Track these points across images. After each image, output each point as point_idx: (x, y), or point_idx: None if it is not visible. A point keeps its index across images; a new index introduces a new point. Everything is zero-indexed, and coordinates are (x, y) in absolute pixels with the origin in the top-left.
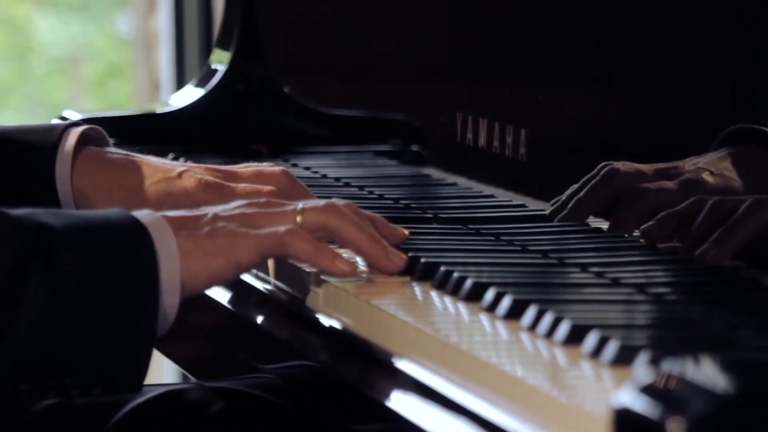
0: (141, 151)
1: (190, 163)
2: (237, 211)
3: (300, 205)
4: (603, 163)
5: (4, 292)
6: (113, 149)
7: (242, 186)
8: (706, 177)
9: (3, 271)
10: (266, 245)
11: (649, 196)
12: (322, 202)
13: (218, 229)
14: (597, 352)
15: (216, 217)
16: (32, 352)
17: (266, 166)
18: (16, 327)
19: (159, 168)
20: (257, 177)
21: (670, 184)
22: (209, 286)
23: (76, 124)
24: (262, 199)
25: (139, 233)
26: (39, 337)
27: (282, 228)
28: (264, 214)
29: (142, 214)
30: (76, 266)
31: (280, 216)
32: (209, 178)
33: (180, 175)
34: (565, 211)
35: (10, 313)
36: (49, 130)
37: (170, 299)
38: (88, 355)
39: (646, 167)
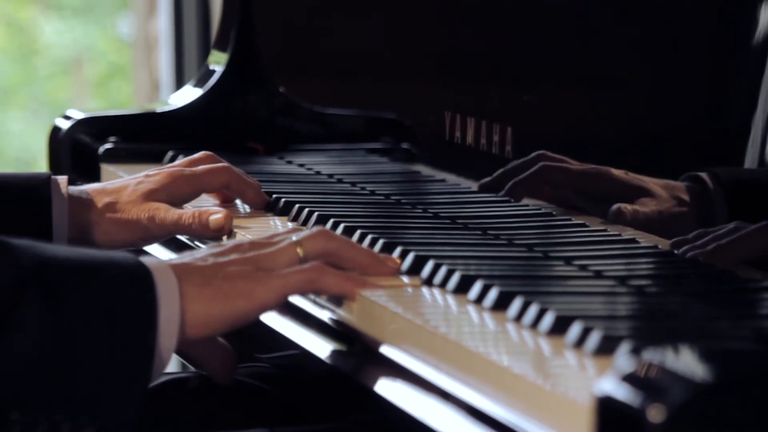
0: (141, 149)
1: (141, 175)
2: (237, 255)
3: (293, 237)
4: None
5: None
6: (74, 186)
7: (201, 168)
8: (613, 171)
9: (1, 297)
10: (293, 284)
11: (549, 172)
12: (313, 229)
13: (234, 273)
14: (580, 342)
15: (223, 264)
16: (22, 380)
17: (194, 156)
18: (8, 353)
19: (125, 179)
20: (191, 164)
21: (571, 166)
22: (232, 326)
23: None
24: (245, 241)
25: (141, 274)
26: (30, 366)
27: (305, 265)
28: (266, 254)
29: (146, 259)
30: (74, 300)
31: (281, 252)
32: (173, 169)
33: (147, 175)
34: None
35: (3, 339)
36: (34, 179)
37: (167, 343)
38: (80, 391)
39: (572, 162)
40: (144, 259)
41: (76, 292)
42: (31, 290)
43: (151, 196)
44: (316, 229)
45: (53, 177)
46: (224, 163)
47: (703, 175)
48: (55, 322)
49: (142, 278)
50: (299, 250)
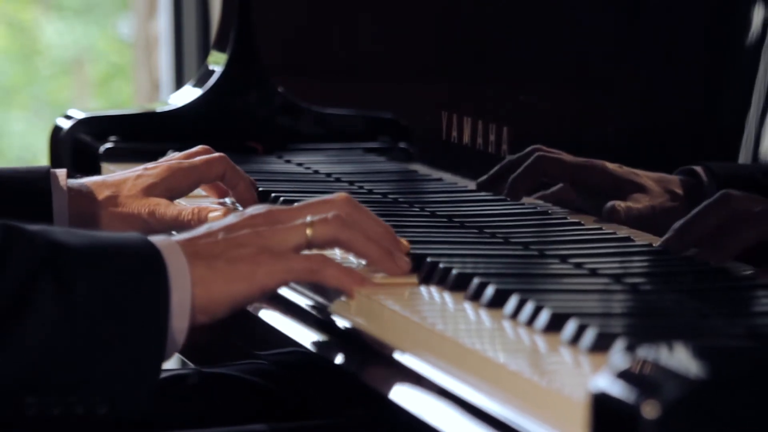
0: (142, 148)
1: (139, 169)
2: (247, 231)
3: (308, 218)
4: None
5: (13, 302)
6: (73, 179)
7: (198, 159)
8: (608, 165)
9: (14, 283)
10: (294, 272)
11: (543, 163)
12: (330, 214)
13: (238, 256)
14: (575, 339)
15: (229, 241)
16: (38, 364)
17: (190, 150)
18: (23, 338)
19: (124, 173)
20: (188, 157)
21: (566, 158)
22: (233, 309)
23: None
24: (263, 209)
25: (152, 257)
26: (45, 350)
27: (310, 254)
28: (275, 230)
29: (157, 239)
30: (87, 284)
31: (290, 231)
32: (171, 162)
33: (146, 168)
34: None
35: (18, 324)
36: (34, 173)
37: (180, 324)
38: (93, 374)
39: (568, 156)
40: (154, 238)
41: (88, 278)
42: (44, 277)
43: (150, 190)
44: (333, 214)
45: (52, 170)
46: (219, 154)
47: (698, 168)
48: (68, 308)
49: (153, 262)
50: (309, 232)
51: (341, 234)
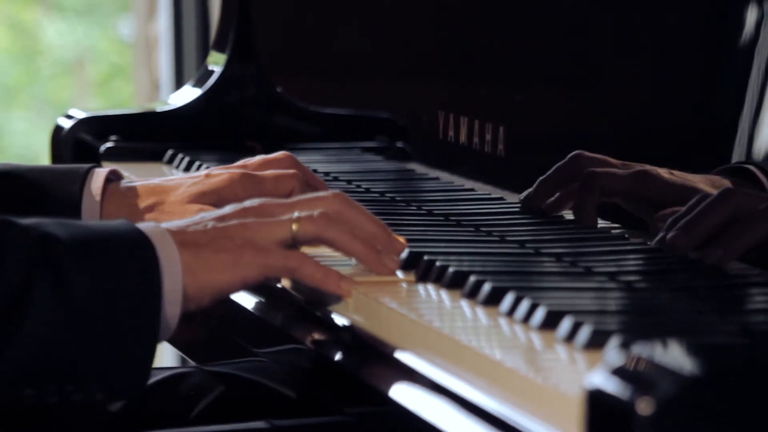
0: (142, 147)
1: (201, 174)
2: (235, 221)
3: (296, 213)
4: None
5: (12, 300)
6: (129, 180)
7: (269, 173)
8: (662, 172)
9: (12, 279)
10: (272, 268)
11: (600, 179)
12: (316, 211)
13: (223, 246)
14: (571, 336)
15: (217, 231)
16: (37, 358)
17: (270, 156)
18: (22, 334)
19: (184, 178)
20: (265, 164)
21: (621, 171)
22: (216, 298)
23: (97, 165)
24: (256, 202)
25: (142, 244)
26: (44, 344)
27: (290, 251)
28: (262, 223)
29: (145, 226)
30: (81, 276)
31: (277, 225)
32: (236, 171)
33: (208, 175)
34: (530, 191)
35: (18, 320)
36: (71, 173)
37: (172, 310)
38: (91, 363)
39: (613, 160)
40: (142, 225)
41: (83, 270)
42: (40, 271)
43: (199, 198)
44: (319, 212)
45: (93, 170)
46: (292, 171)
47: (753, 168)
48: (65, 300)
49: (143, 250)
50: (295, 227)
51: (325, 231)
